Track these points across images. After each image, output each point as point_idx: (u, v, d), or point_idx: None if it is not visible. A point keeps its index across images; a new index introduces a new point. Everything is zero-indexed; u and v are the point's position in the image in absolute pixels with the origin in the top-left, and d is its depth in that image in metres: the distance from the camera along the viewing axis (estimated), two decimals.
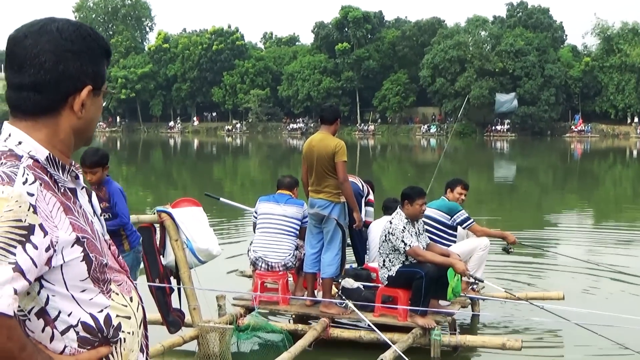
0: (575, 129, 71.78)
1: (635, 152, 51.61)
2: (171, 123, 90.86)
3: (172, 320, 6.60)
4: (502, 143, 64.33)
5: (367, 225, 8.44)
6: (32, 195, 1.69)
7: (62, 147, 1.86)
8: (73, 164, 1.91)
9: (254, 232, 8.06)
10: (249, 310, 7.60)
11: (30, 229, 1.66)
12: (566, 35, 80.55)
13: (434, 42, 74.84)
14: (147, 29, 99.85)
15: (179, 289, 6.81)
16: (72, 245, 1.77)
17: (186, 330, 6.86)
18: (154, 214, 6.82)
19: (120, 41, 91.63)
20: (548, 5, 79.47)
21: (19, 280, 1.62)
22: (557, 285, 9.54)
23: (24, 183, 1.69)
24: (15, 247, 1.63)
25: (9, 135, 1.81)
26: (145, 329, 2.04)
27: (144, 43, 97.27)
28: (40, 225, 1.68)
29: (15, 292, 1.62)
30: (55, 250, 1.72)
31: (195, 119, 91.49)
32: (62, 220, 1.76)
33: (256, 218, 8.00)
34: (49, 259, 1.71)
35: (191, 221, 6.85)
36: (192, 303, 6.88)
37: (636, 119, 70.98)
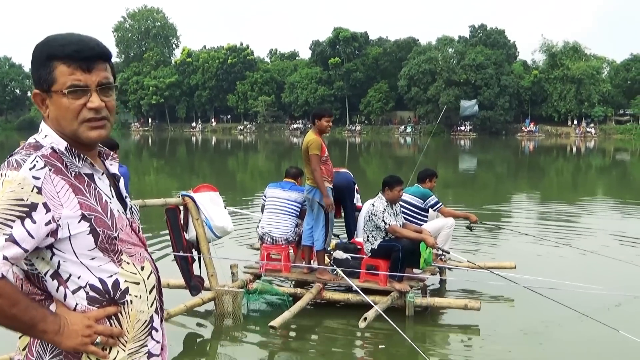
0: (526, 130, 71.65)
1: (574, 149, 51.58)
2: (193, 124, 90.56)
3: (194, 284, 6.59)
4: (465, 141, 64.19)
5: (359, 210, 8.42)
6: (37, 178, 1.69)
7: (69, 140, 1.81)
8: (110, 154, 1.90)
9: (262, 212, 8.04)
10: (257, 276, 7.59)
11: (33, 207, 1.66)
12: (518, 52, 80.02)
13: (409, 57, 74.52)
14: (174, 46, 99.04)
15: (199, 259, 6.81)
16: (79, 221, 1.75)
17: (205, 293, 6.86)
18: (179, 197, 6.80)
19: (151, 56, 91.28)
20: (504, 28, 79.13)
21: (10, 248, 1.63)
22: (510, 256, 9.53)
23: (31, 169, 1.68)
24: (13, 221, 1.63)
25: (41, 130, 1.83)
26: (160, 294, 2.00)
27: (171, 57, 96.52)
28: (44, 204, 1.68)
29: (5, 257, 1.62)
30: (59, 225, 1.71)
31: (213, 120, 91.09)
32: (69, 199, 1.74)
33: (264, 200, 7.98)
34: (53, 232, 1.71)
35: (209, 203, 6.83)
36: (210, 270, 6.88)
37: (575, 122, 71.02)
